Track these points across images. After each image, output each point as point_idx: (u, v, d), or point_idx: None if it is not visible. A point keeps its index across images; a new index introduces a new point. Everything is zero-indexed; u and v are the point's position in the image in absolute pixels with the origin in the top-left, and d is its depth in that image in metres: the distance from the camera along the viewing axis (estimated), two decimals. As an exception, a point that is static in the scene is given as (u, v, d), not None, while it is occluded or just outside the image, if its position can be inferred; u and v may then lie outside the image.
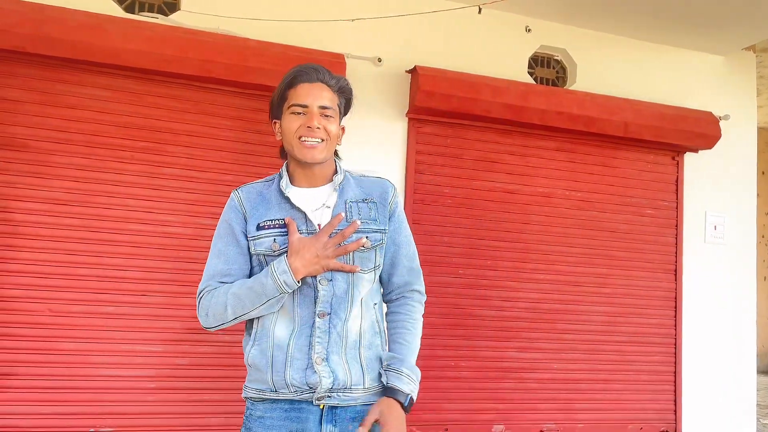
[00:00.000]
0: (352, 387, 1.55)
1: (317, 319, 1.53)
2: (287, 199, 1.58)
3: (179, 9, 3.45)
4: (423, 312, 1.69)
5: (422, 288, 1.70)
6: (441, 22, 3.81)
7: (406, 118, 3.78)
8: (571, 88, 4.18)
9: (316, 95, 1.57)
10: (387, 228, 1.63)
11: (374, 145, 3.69)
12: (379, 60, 3.71)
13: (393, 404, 1.52)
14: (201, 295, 1.60)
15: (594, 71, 4.21)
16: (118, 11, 3.33)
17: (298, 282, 1.50)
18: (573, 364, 4.01)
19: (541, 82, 4.21)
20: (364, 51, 3.69)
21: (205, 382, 3.32)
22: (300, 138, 1.56)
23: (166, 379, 3.28)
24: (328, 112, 1.58)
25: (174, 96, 3.37)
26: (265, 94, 3.48)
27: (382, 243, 1.62)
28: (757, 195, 4.62)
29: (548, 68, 4.26)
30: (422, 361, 4.04)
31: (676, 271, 4.27)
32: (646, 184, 4.27)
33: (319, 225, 1.56)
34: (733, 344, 4.36)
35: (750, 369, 4.38)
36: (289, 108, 1.58)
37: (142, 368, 3.24)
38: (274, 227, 1.56)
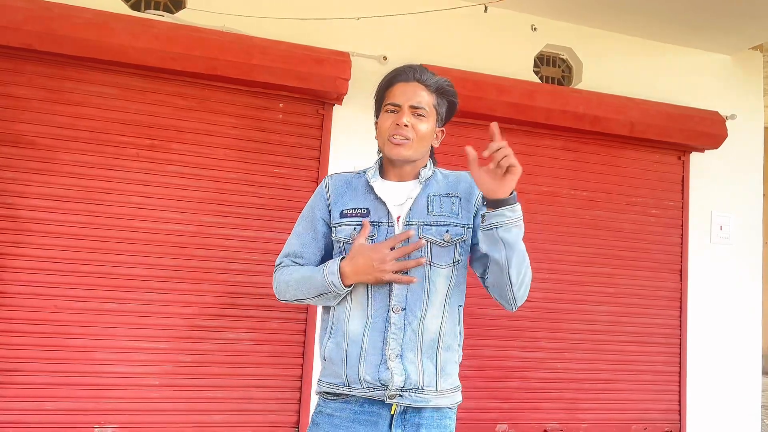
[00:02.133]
0: (424, 387, 1.52)
1: (391, 314, 1.51)
2: (371, 189, 1.60)
3: (185, 7, 3.46)
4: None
5: None
6: (446, 21, 3.81)
7: (411, 117, 3.78)
8: (576, 87, 4.16)
9: (409, 94, 1.61)
10: (470, 224, 1.62)
11: (379, 144, 3.68)
12: (385, 58, 3.71)
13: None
14: (275, 269, 1.68)
15: (600, 70, 4.20)
16: (124, 9, 3.34)
17: (347, 287, 1.51)
18: (577, 363, 4.00)
19: (547, 81, 4.19)
20: (370, 49, 3.69)
21: (208, 380, 3.33)
22: (390, 136, 1.60)
23: (170, 376, 3.29)
24: (420, 112, 1.61)
25: (180, 94, 3.38)
26: (270, 92, 3.49)
27: (463, 238, 1.60)
28: (764, 195, 4.60)
29: (554, 67, 4.25)
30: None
31: (681, 271, 4.25)
32: (651, 183, 4.25)
33: (398, 218, 1.57)
34: (738, 345, 4.34)
35: (755, 370, 4.37)
36: (384, 107, 1.64)
37: (146, 365, 3.25)
38: (357, 215, 1.58)
